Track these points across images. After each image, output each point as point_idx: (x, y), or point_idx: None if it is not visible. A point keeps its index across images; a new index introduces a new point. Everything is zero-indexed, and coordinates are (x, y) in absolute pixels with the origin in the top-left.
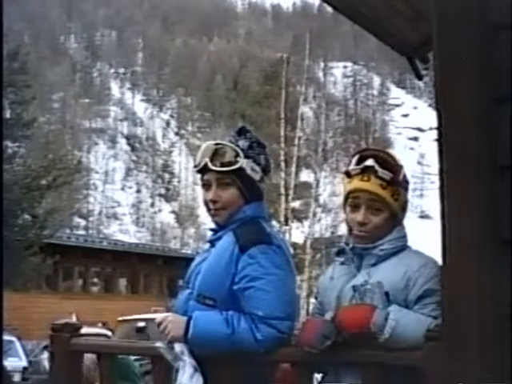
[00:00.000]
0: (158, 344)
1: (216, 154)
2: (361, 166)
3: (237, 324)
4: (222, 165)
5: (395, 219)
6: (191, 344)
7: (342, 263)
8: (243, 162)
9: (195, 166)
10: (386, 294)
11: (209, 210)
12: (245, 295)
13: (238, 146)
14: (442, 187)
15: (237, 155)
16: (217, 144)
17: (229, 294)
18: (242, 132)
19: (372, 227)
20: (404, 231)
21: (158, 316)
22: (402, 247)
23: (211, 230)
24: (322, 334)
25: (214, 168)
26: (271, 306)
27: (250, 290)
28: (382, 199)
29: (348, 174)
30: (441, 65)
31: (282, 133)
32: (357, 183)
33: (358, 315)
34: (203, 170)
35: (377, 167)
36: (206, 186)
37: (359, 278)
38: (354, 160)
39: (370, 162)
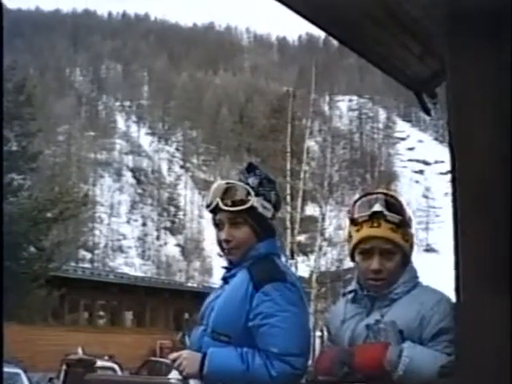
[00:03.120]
0: (174, 380)
1: (227, 193)
2: (369, 212)
3: (251, 360)
4: (234, 204)
5: (406, 259)
6: (206, 380)
7: (353, 302)
8: (254, 201)
9: (207, 206)
10: (400, 332)
11: (222, 249)
12: (259, 332)
13: (248, 183)
14: (455, 224)
15: (247, 194)
16: (227, 183)
17: (243, 331)
18: (250, 169)
19: (387, 273)
20: (414, 268)
21: (174, 353)
22: (414, 285)
23: (225, 267)
24: (340, 361)
25: (225, 208)
26: (286, 342)
27: (265, 327)
28: (395, 243)
29: (355, 222)
30: (454, 103)
31: (288, 166)
32: (367, 230)
33: (372, 353)
34: (215, 210)
35: (385, 211)
36: (219, 225)
37: (372, 317)
38: (360, 206)
39: (377, 207)
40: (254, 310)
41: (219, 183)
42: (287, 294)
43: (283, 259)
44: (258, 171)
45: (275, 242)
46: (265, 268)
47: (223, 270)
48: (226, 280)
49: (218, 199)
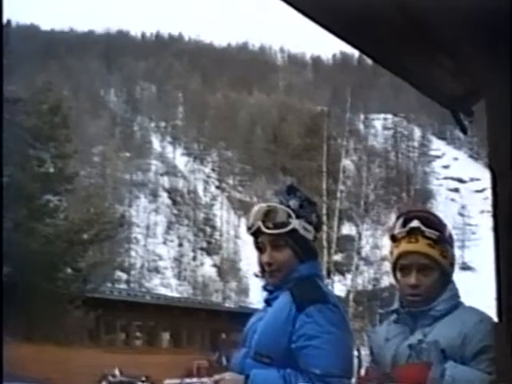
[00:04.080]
0: None
1: (268, 215)
2: (406, 228)
3: (294, 382)
4: (275, 227)
5: (446, 277)
6: None
7: (396, 322)
8: (295, 223)
9: (248, 229)
10: (443, 351)
11: (264, 271)
12: (302, 353)
13: (289, 206)
14: (496, 243)
15: (289, 216)
16: (268, 206)
17: (286, 353)
18: (291, 191)
19: (425, 289)
20: (456, 288)
21: (216, 375)
22: (456, 305)
23: (267, 289)
24: (383, 381)
25: (267, 231)
26: (328, 364)
27: (308, 349)
28: (432, 258)
29: (394, 238)
30: (492, 121)
31: (324, 186)
32: (405, 246)
33: (415, 373)
34: (256, 233)
35: (423, 227)
36: (260, 248)
37: (415, 337)
38: (399, 223)
39: (415, 223)
40: (296, 332)
41: (260, 206)
42: (329, 316)
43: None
44: (299, 193)
45: (317, 263)
46: (307, 290)
47: (260, 290)
48: (268, 302)
49: (260, 222)
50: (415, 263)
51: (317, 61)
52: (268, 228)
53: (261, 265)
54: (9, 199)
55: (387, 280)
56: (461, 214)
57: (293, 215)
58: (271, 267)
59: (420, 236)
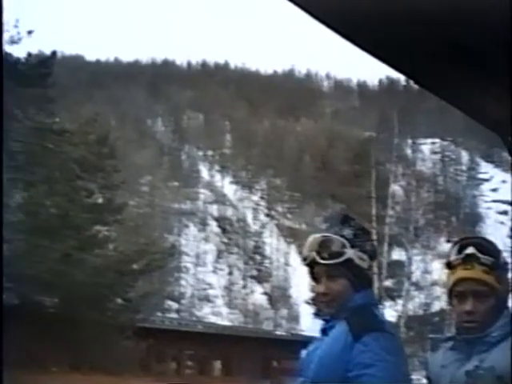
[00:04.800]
0: None
1: (322, 246)
2: (462, 255)
3: None
4: (330, 257)
5: (501, 303)
6: None
7: (452, 349)
8: (350, 253)
9: (303, 260)
10: (499, 377)
11: (320, 301)
12: (358, 382)
13: (343, 235)
14: None
15: (343, 246)
16: (323, 236)
17: (343, 382)
18: (345, 220)
19: (481, 315)
20: (511, 313)
21: None
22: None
23: (323, 319)
24: None
25: (322, 261)
26: None
27: (364, 377)
28: (488, 285)
29: (449, 265)
30: None
31: (373, 212)
32: (461, 273)
33: None
34: (311, 264)
35: (478, 254)
36: (316, 278)
37: (471, 364)
38: (454, 250)
39: (470, 250)
40: (352, 361)
41: (314, 237)
42: (385, 344)
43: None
44: (354, 222)
45: (372, 291)
46: (363, 319)
47: (311, 318)
48: (324, 331)
49: (314, 253)
50: (471, 290)
51: (363, 86)
52: (323, 258)
53: (316, 295)
54: (56, 230)
55: (438, 305)
56: (511, 237)
57: (347, 245)
58: (327, 297)
59: (475, 263)
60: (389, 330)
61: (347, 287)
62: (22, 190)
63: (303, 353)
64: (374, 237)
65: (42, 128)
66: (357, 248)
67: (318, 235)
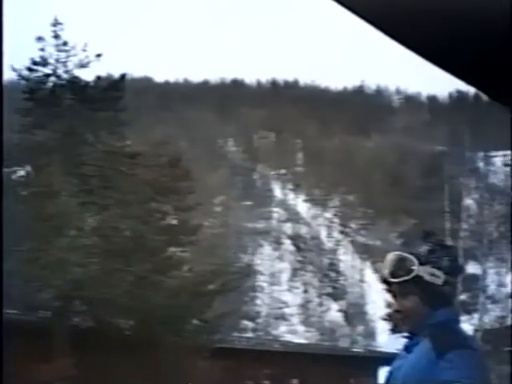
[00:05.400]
0: None
1: (392, 264)
2: None
3: None
4: (398, 275)
5: None
6: None
7: None
8: (419, 270)
9: (380, 278)
10: None
11: (395, 318)
12: None
13: (415, 253)
14: None
15: (411, 264)
16: (394, 255)
17: None
18: (425, 236)
19: None
20: None
21: None
22: None
23: (406, 336)
24: None
25: (391, 279)
26: None
27: None
28: None
29: None
30: None
31: (447, 226)
32: None
33: None
34: (385, 282)
35: None
36: (392, 296)
37: None
38: None
39: None
40: (437, 378)
41: (389, 255)
42: (468, 360)
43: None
44: (433, 238)
45: (452, 308)
46: (446, 336)
47: (388, 334)
48: (407, 349)
49: (386, 271)
50: None
51: (432, 100)
52: (393, 277)
53: (391, 311)
54: (131, 253)
55: None
56: None
57: (415, 262)
58: (401, 314)
59: None
60: (472, 347)
61: (419, 304)
62: (96, 214)
63: (387, 370)
64: (456, 252)
65: (114, 151)
66: (428, 265)
67: (391, 254)
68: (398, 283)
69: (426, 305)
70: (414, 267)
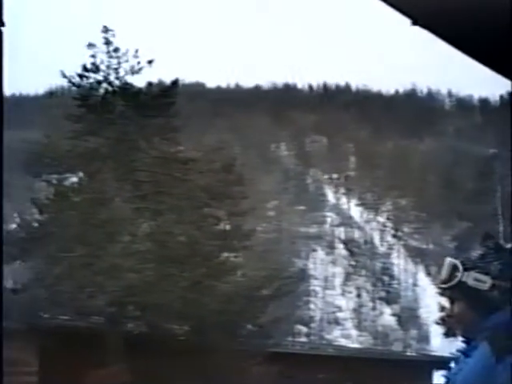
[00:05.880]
0: None
1: (443, 270)
2: None
3: None
4: (444, 281)
5: None
6: None
7: None
8: (463, 275)
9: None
10: None
11: (447, 322)
12: None
13: (466, 257)
14: None
15: (455, 269)
16: (446, 260)
17: None
18: (483, 239)
19: None
20: None
21: None
22: None
23: (463, 340)
24: None
25: (441, 285)
26: None
27: None
28: None
29: None
30: None
31: (501, 228)
32: None
33: None
34: (440, 286)
35: None
36: (446, 300)
37: None
38: None
39: None
40: (495, 382)
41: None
42: None
43: None
44: (489, 241)
45: (507, 312)
46: (505, 340)
47: (442, 338)
48: (465, 353)
49: (440, 276)
50: None
51: (484, 102)
52: (442, 282)
53: (445, 315)
54: (185, 258)
55: None
56: None
57: (460, 268)
58: (451, 319)
59: None
60: None
61: (466, 309)
62: (149, 219)
63: (444, 375)
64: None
65: (167, 157)
66: (474, 270)
67: (447, 259)
68: (447, 288)
69: (473, 310)
70: (457, 273)
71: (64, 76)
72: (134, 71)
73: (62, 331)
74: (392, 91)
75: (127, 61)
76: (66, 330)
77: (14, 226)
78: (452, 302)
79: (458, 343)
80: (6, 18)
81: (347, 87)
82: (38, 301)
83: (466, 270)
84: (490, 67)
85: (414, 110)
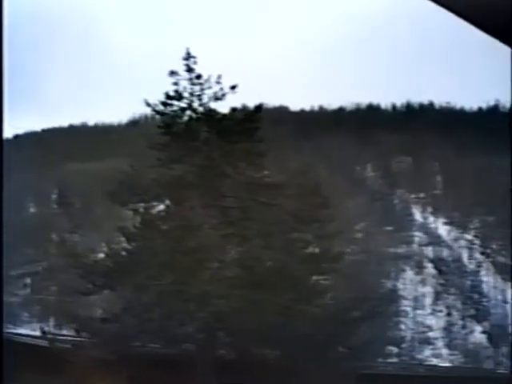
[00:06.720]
0: None
1: None
2: None
3: None
4: None
5: None
6: None
7: None
8: None
9: None
10: None
11: None
12: None
13: None
14: None
15: None
16: None
17: None
18: None
19: None
20: None
21: None
22: None
23: None
24: None
25: None
26: None
27: None
28: None
29: None
30: None
31: None
32: None
33: None
34: None
35: None
36: None
37: None
38: None
39: None
40: None
41: None
42: None
43: None
44: None
45: None
46: None
47: None
48: None
49: None
50: None
51: None
52: None
53: None
54: (274, 283)
55: None
56: None
57: None
58: None
59: None
60: None
61: None
62: (237, 245)
63: None
64: None
65: (253, 182)
66: None
67: None
68: None
69: None
70: None
71: (148, 104)
72: (217, 97)
73: (152, 359)
74: (475, 107)
75: (210, 87)
76: (156, 357)
77: (101, 255)
78: None
79: None
80: (93, 49)
81: (430, 105)
82: (127, 329)
83: None
84: None
85: (498, 126)
